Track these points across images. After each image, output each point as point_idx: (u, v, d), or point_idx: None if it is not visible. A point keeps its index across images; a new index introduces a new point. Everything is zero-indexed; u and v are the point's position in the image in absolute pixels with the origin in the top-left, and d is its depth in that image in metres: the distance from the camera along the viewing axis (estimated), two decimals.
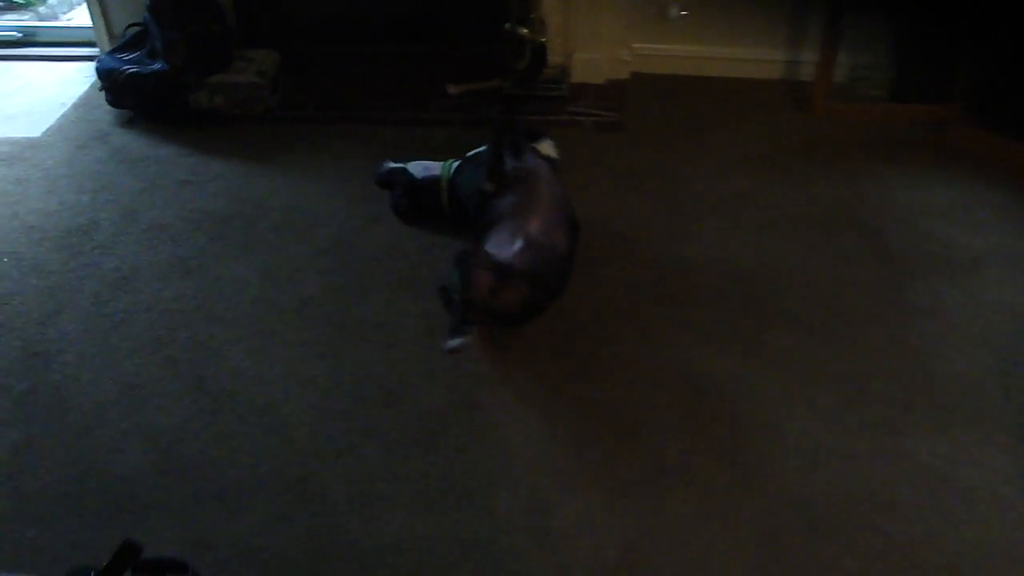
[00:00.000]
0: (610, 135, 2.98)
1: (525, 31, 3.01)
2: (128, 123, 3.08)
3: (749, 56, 3.29)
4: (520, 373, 2.04)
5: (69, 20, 3.88)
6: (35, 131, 3.05)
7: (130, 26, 3.22)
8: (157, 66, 2.97)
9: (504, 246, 2.08)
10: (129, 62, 3.03)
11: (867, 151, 2.87)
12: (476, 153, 2.42)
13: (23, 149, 2.95)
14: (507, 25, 3.00)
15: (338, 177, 2.77)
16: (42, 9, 3.98)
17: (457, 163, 2.46)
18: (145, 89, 2.99)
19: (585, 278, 2.27)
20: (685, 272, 2.34)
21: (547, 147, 2.47)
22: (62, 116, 3.15)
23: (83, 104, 3.22)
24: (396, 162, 2.57)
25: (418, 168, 2.52)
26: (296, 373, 2.05)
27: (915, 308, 2.20)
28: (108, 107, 3.08)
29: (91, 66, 3.20)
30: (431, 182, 2.47)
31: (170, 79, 2.96)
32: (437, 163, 2.51)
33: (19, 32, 3.69)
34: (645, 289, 2.29)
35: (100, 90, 3.08)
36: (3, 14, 3.96)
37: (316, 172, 2.80)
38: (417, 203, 2.51)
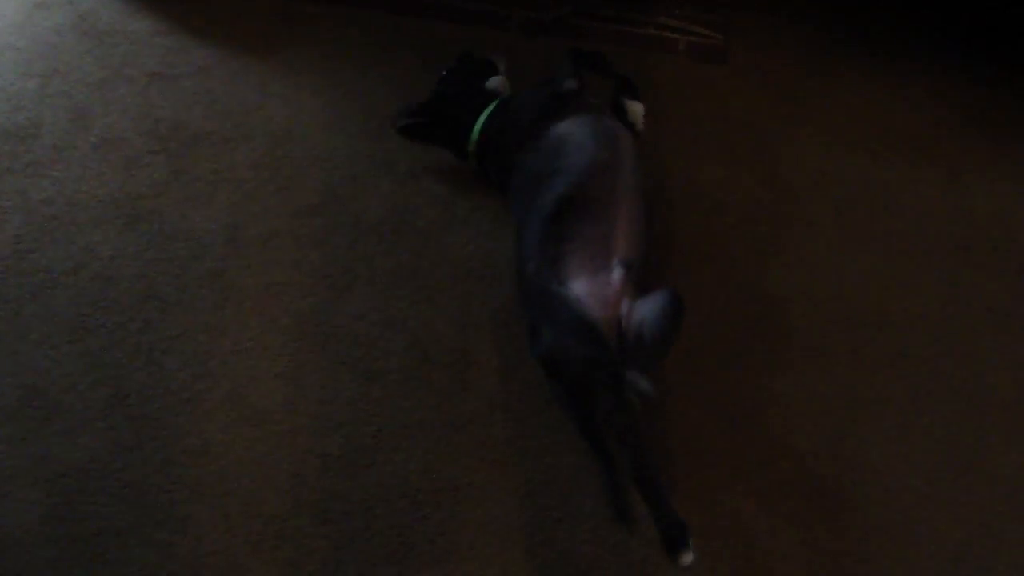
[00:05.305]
0: (708, 69, 2.25)
1: None
2: None
3: None
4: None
5: None
6: None
7: None
8: None
9: (593, 282, 1.46)
10: None
11: None
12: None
13: None
14: None
15: (349, 94, 2.12)
16: None
17: (491, 108, 1.82)
18: None
19: None
20: (778, 316, 1.74)
21: (637, 111, 1.86)
22: None
23: None
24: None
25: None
26: (247, 396, 1.57)
27: None
28: None
29: None
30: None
31: None
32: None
33: None
34: (717, 337, 1.71)
35: None
36: None
37: (324, 82, 2.15)
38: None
